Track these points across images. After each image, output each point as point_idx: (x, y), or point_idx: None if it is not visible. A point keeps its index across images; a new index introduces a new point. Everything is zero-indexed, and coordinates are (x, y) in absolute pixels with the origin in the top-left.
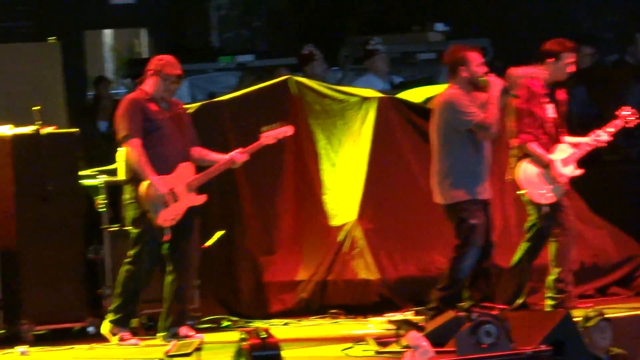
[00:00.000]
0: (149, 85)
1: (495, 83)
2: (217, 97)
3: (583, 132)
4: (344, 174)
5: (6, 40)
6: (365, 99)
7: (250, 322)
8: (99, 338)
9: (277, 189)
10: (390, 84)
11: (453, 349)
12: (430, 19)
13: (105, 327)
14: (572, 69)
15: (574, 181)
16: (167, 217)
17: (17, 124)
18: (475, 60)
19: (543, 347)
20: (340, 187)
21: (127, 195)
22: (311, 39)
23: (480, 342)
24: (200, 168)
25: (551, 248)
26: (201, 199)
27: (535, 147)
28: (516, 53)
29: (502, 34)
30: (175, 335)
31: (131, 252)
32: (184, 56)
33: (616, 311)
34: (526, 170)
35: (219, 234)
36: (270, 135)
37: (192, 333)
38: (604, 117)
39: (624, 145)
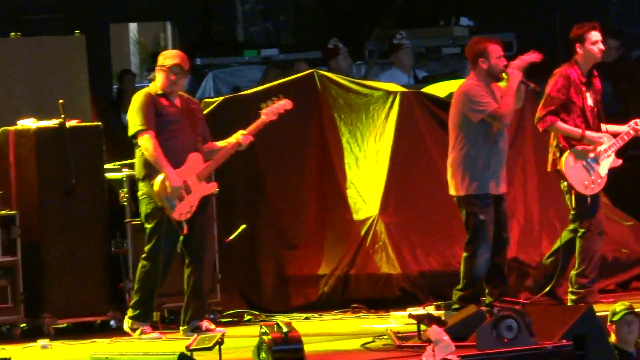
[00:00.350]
0: (158, 80)
1: (514, 75)
2: (242, 90)
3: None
4: (367, 168)
5: (31, 33)
6: (389, 93)
7: (272, 316)
8: (120, 332)
9: (300, 183)
10: (415, 78)
11: (474, 343)
12: (455, 14)
13: (127, 324)
14: (601, 47)
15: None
16: (182, 211)
17: (42, 117)
18: (495, 53)
19: (564, 342)
20: (363, 181)
21: (141, 190)
22: (336, 33)
23: (502, 336)
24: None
25: (578, 242)
26: (212, 187)
27: (562, 125)
28: (541, 48)
29: (528, 29)
30: (197, 329)
31: (147, 248)
32: (209, 50)
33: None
34: (569, 161)
35: (241, 227)
36: (270, 112)
37: (212, 327)
38: (630, 113)
39: None
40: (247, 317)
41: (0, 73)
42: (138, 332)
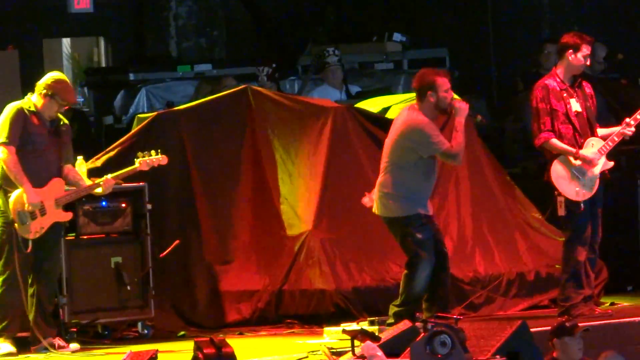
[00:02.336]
0: (38, 101)
1: (462, 109)
2: (175, 106)
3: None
4: (300, 184)
5: None
6: (322, 109)
7: (205, 332)
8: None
9: (234, 198)
10: (348, 93)
11: (408, 359)
12: (388, 29)
13: None
14: (587, 62)
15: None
16: (32, 230)
17: None
18: (443, 86)
19: (498, 358)
20: (297, 197)
21: None
22: (270, 48)
23: (435, 352)
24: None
25: (563, 250)
26: (67, 216)
27: (557, 142)
28: (474, 63)
29: (460, 44)
30: (51, 346)
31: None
32: (143, 65)
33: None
34: (556, 170)
35: (175, 243)
36: (145, 163)
37: (64, 344)
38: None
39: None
40: (181, 333)
41: None
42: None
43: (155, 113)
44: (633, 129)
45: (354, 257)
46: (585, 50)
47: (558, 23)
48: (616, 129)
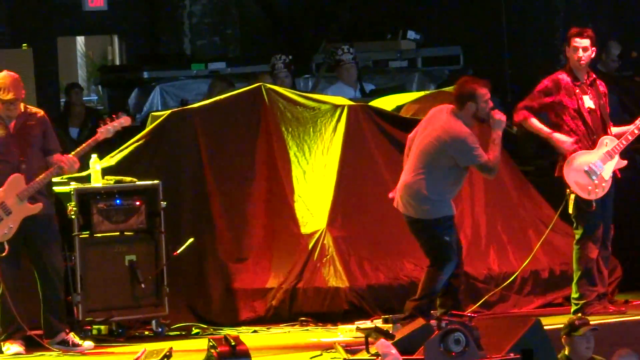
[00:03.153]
0: None
1: (500, 122)
2: (190, 104)
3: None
4: (314, 182)
5: None
6: (336, 107)
7: (219, 330)
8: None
9: (248, 196)
10: (362, 91)
11: (422, 356)
12: (402, 27)
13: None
14: (581, 54)
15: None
16: (0, 232)
17: None
18: (484, 96)
19: (512, 355)
20: (311, 195)
21: None
22: (283, 46)
23: (449, 350)
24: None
25: (574, 248)
26: (37, 208)
27: (535, 122)
28: (488, 61)
29: (475, 43)
30: (63, 343)
31: None
32: (157, 63)
33: (592, 319)
34: (570, 166)
35: (189, 241)
36: (105, 129)
37: (78, 341)
38: None
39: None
40: (195, 331)
41: None
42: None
43: (169, 111)
44: None
45: (368, 254)
46: (574, 42)
47: (572, 20)
48: (630, 128)
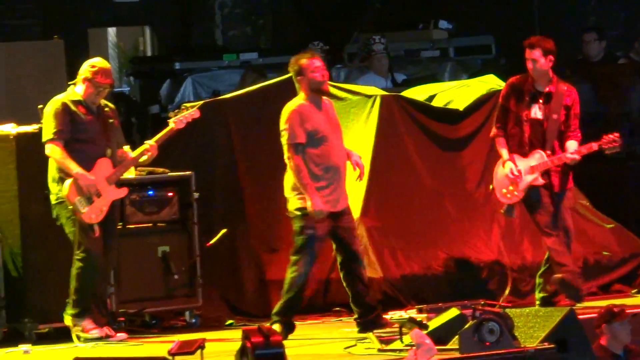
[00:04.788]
0: (80, 89)
1: None
2: (221, 95)
3: (589, 131)
4: (347, 172)
5: (10, 38)
6: (369, 97)
7: (253, 320)
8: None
9: (281, 187)
10: (393, 81)
11: (456, 346)
12: (434, 17)
13: (67, 320)
14: (530, 65)
15: (577, 178)
16: (92, 214)
17: (21, 122)
18: (310, 67)
19: (546, 345)
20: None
21: (53, 196)
22: (315, 36)
23: (484, 339)
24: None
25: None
26: (123, 192)
27: (499, 144)
28: (520, 50)
29: (506, 31)
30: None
31: (78, 252)
32: (188, 54)
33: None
34: (498, 168)
35: (222, 232)
36: (179, 120)
37: (113, 333)
38: (610, 115)
39: (627, 142)
40: (228, 321)
41: None
42: (78, 328)
43: (201, 102)
44: (578, 157)
45: (402, 245)
46: (526, 53)
47: (604, 9)
48: (563, 154)
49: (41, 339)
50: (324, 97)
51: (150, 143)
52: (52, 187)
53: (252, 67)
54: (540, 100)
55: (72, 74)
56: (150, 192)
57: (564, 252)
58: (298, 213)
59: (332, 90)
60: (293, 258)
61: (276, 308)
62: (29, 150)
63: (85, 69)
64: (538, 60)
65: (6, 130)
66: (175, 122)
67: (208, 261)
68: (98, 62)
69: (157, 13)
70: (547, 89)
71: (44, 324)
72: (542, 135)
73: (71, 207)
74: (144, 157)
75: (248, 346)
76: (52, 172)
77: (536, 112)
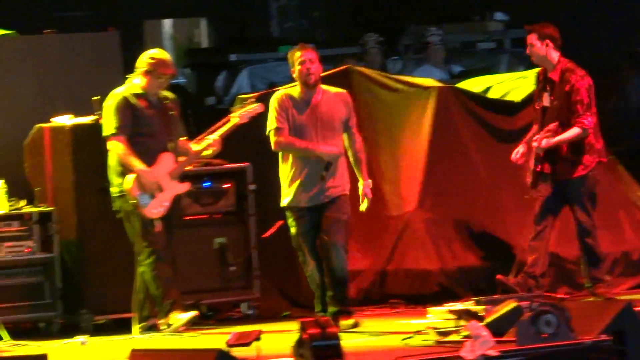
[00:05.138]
0: (141, 82)
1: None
2: (277, 86)
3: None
4: (404, 164)
5: (65, 30)
6: (425, 89)
7: (310, 312)
8: (154, 329)
9: None
10: (450, 73)
11: (513, 338)
12: (490, 8)
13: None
14: (527, 51)
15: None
16: (154, 209)
17: (77, 114)
18: (298, 59)
19: (603, 337)
20: (401, 177)
21: (115, 188)
22: (371, 28)
23: (541, 331)
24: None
25: None
26: (185, 187)
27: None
28: (576, 43)
29: (562, 23)
30: (154, 328)
31: (140, 250)
32: (244, 46)
33: None
34: None
35: (278, 224)
36: (243, 115)
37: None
38: None
39: None
40: (285, 313)
41: (34, 70)
42: (172, 317)
43: (257, 93)
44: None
45: (458, 236)
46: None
47: None
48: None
49: (98, 330)
50: (333, 91)
51: (214, 137)
52: (113, 179)
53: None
54: (548, 88)
55: (127, 66)
56: (207, 184)
57: (533, 248)
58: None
59: (388, 82)
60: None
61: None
62: (85, 142)
63: (145, 61)
64: (534, 44)
65: (62, 122)
66: (239, 117)
67: (264, 253)
68: (157, 53)
69: (213, 4)
70: (550, 75)
71: (100, 315)
72: (546, 122)
73: (133, 201)
74: (208, 151)
75: (305, 338)
76: (114, 165)
77: (544, 99)
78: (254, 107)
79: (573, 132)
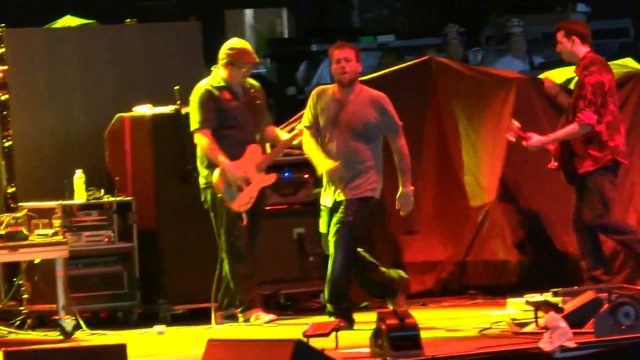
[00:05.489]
0: (223, 73)
1: None
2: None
3: None
4: (484, 155)
5: (147, 19)
6: (505, 80)
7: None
8: (234, 318)
9: (418, 169)
10: (531, 64)
11: (591, 330)
12: (572, 0)
13: (241, 319)
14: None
15: None
16: (242, 202)
17: (157, 103)
18: (333, 58)
19: None
20: (480, 168)
21: (202, 179)
22: (452, 19)
23: (619, 323)
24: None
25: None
26: (271, 178)
27: None
28: None
29: None
30: (233, 317)
31: (223, 243)
32: (325, 36)
33: None
34: None
35: None
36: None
37: (263, 315)
38: None
39: None
40: (363, 304)
41: (115, 60)
42: (253, 317)
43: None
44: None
45: (538, 228)
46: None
47: None
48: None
49: (176, 320)
50: (370, 93)
51: (300, 127)
52: (201, 170)
53: (390, 50)
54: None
55: (208, 56)
56: (286, 174)
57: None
58: None
59: (468, 73)
60: None
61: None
62: (165, 132)
63: (225, 52)
64: (562, 41)
65: (142, 112)
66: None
67: None
68: (237, 43)
69: None
70: (575, 71)
71: (179, 305)
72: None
73: (220, 195)
74: (295, 141)
75: (383, 329)
76: (202, 157)
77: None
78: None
79: (569, 128)
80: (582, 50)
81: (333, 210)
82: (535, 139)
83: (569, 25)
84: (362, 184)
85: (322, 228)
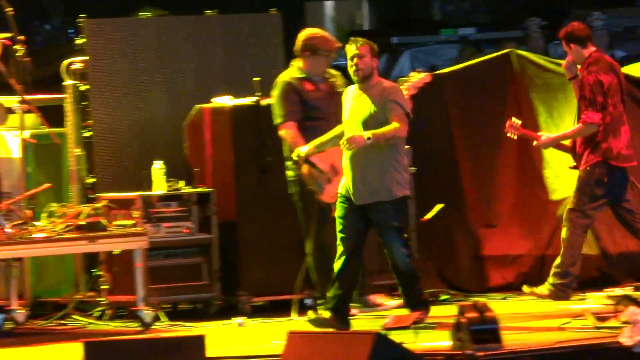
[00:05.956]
0: (305, 64)
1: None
2: (438, 69)
3: None
4: (564, 148)
5: (227, 11)
6: None
7: (468, 296)
8: (315, 310)
9: (498, 163)
10: (612, 58)
11: None
12: None
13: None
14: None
15: None
16: (331, 193)
17: (237, 95)
18: (347, 55)
19: None
20: (560, 161)
21: (290, 172)
22: (533, 12)
23: None
24: None
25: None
26: None
27: None
28: None
29: None
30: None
31: (311, 236)
32: (406, 28)
33: None
34: None
35: (438, 207)
36: (411, 87)
37: (380, 301)
38: None
39: None
40: (443, 297)
41: (196, 51)
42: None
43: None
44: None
45: (618, 222)
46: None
47: None
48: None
49: (255, 312)
50: (383, 85)
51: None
52: (289, 163)
53: (470, 42)
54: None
55: (288, 48)
56: None
57: None
58: None
59: (549, 66)
60: None
61: None
62: (245, 123)
63: (305, 43)
64: (567, 51)
65: (222, 103)
66: (407, 89)
67: (424, 236)
68: (314, 31)
69: None
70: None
71: (258, 297)
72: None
73: (310, 187)
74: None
75: (463, 322)
76: (288, 150)
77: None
78: (420, 77)
79: (574, 127)
80: (586, 52)
81: (359, 207)
82: (544, 137)
83: (565, 34)
84: (389, 183)
85: (338, 213)
